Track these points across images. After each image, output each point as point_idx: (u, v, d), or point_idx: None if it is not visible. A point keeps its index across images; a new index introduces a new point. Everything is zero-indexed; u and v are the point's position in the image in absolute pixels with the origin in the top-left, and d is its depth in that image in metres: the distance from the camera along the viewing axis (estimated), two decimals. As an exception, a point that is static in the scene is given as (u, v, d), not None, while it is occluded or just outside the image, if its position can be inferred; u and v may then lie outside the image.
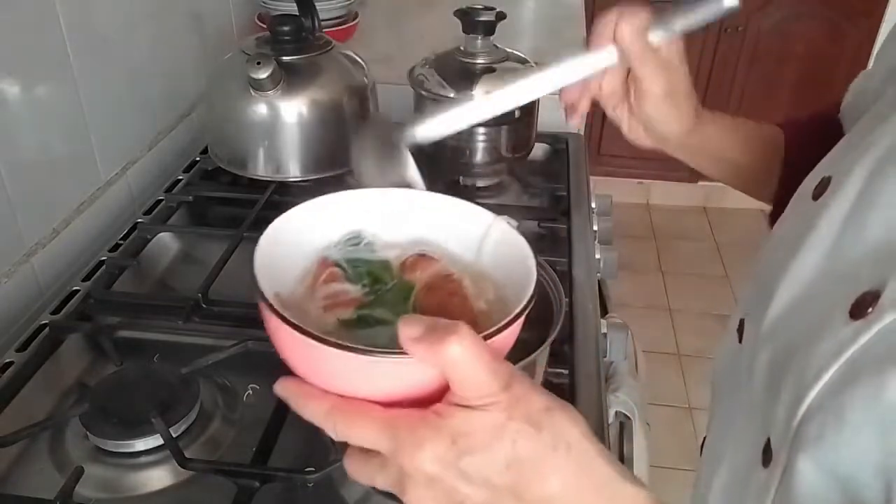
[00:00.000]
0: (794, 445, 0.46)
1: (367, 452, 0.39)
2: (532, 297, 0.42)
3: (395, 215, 0.52)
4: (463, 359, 0.35)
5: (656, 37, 0.62)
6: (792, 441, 0.46)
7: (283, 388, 0.41)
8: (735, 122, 0.73)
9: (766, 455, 0.50)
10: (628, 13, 0.62)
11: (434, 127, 0.60)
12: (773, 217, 0.74)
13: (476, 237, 0.50)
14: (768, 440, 0.50)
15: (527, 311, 0.42)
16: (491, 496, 0.37)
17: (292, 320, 0.39)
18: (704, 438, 0.68)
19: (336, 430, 0.39)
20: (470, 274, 0.49)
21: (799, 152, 0.71)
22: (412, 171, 0.59)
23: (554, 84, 0.64)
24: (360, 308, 0.45)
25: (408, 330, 0.36)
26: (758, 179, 0.74)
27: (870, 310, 0.42)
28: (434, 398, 0.38)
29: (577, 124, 0.71)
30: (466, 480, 0.36)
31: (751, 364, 0.54)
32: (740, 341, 0.58)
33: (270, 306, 0.40)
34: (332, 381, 0.40)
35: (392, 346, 0.38)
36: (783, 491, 0.47)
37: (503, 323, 0.40)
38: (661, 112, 0.67)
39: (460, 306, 0.47)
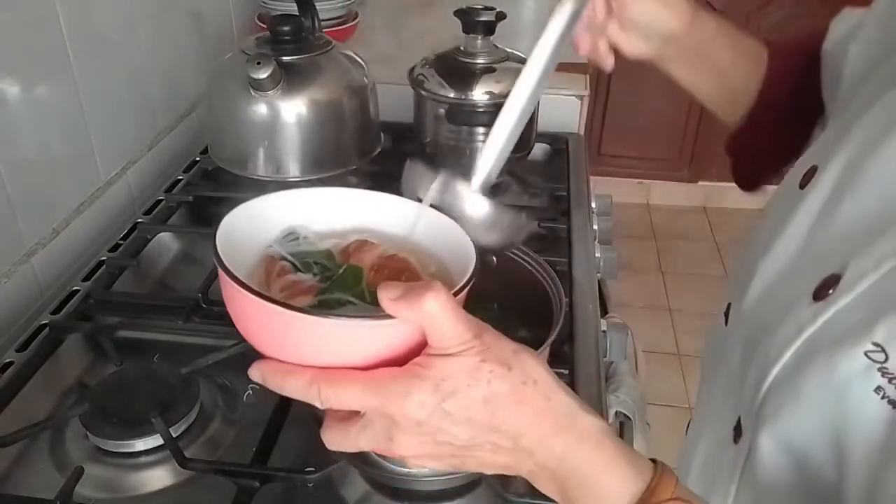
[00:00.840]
0: (758, 423, 0.48)
1: (345, 419, 0.42)
2: (477, 261, 0.47)
3: (323, 212, 0.54)
4: (440, 311, 0.39)
5: None
6: (756, 418, 0.48)
7: (257, 369, 0.43)
8: (728, 25, 0.72)
9: (737, 432, 0.52)
10: None
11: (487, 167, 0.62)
12: (731, 141, 0.74)
13: (407, 224, 0.53)
14: (739, 418, 0.52)
15: (474, 274, 0.45)
16: (472, 432, 0.41)
17: (272, 297, 0.40)
18: (689, 422, 0.70)
19: (321, 397, 0.41)
20: (410, 252, 0.52)
21: (778, 77, 0.70)
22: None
23: (557, 46, 0.62)
24: (319, 296, 0.47)
25: (388, 292, 0.39)
26: (735, 94, 0.73)
27: (830, 291, 0.44)
28: (407, 358, 0.41)
29: (610, 64, 0.71)
30: (451, 420, 0.40)
31: (730, 347, 0.56)
32: (726, 324, 0.60)
33: (244, 285, 0.41)
34: (308, 355, 0.41)
35: None
36: (749, 466, 0.50)
37: (464, 282, 0.44)
38: (652, 10, 0.66)
39: (412, 279, 0.49)
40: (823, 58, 0.67)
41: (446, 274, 0.50)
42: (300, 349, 0.41)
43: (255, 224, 0.51)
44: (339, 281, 0.49)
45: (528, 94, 0.61)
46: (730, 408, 0.55)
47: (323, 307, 0.46)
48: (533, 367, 0.41)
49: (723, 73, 0.72)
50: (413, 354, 0.41)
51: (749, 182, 0.78)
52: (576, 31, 0.63)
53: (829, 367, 0.43)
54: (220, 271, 0.42)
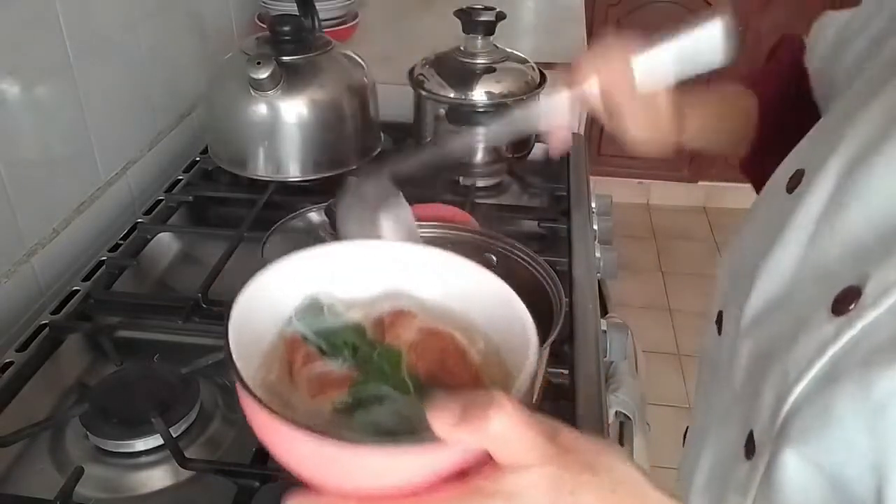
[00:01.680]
0: (779, 439, 0.46)
1: None
2: (539, 344, 0.40)
3: (348, 272, 0.47)
4: (508, 430, 0.33)
5: (643, 86, 0.63)
6: (777, 435, 0.47)
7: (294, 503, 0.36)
8: (714, 107, 0.74)
9: (749, 447, 0.50)
10: (610, 56, 0.63)
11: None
12: (746, 164, 0.77)
13: (446, 282, 0.46)
14: (751, 433, 0.50)
15: (537, 362, 0.39)
16: None
17: (305, 424, 0.34)
18: (687, 428, 0.69)
19: None
20: (453, 324, 0.45)
21: (769, 109, 0.73)
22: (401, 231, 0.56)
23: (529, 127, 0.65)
24: (353, 389, 0.41)
25: (442, 417, 0.33)
26: (734, 137, 0.76)
27: (852, 306, 0.43)
28: (469, 473, 0.35)
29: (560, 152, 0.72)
30: None
31: (731, 357, 0.55)
32: (720, 333, 0.59)
33: (271, 411, 0.35)
34: (351, 482, 0.35)
35: (399, 423, 0.36)
36: (766, 483, 0.48)
37: (528, 377, 0.38)
38: (641, 138, 0.68)
39: (460, 364, 0.43)
40: (813, 76, 0.68)
41: (495, 352, 0.44)
42: (335, 477, 0.36)
43: (271, 295, 0.44)
44: (374, 369, 0.42)
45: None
46: (736, 420, 0.53)
47: (358, 405, 0.40)
48: (618, 466, 0.36)
49: (715, 139, 0.76)
50: (477, 466, 0.35)
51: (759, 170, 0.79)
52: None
53: (862, 387, 0.41)
54: (239, 388, 0.36)
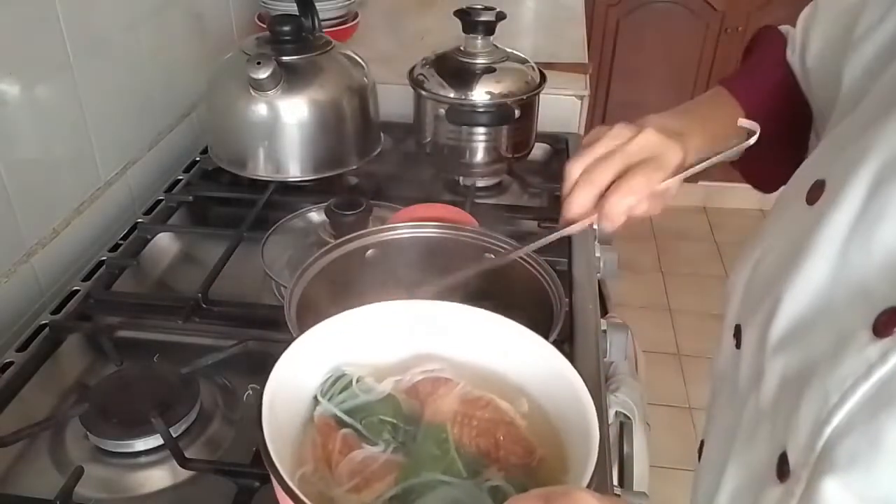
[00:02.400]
0: (819, 466, 0.44)
1: None
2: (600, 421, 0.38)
3: (369, 337, 0.44)
4: None
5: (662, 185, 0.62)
6: (816, 461, 0.45)
7: None
8: (708, 135, 0.71)
9: (782, 470, 0.48)
10: (624, 190, 0.61)
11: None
12: (740, 164, 0.76)
13: (475, 339, 0.44)
14: (783, 455, 0.48)
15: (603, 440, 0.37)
16: None
17: None
18: (702, 442, 0.67)
19: None
20: (491, 386, 0.42)
21: (756, 113, 0.71)
22: None
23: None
24: (402, 478, 0.38)
25: None
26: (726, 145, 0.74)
27: None
28: None
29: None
30: None
31: (756, 374, 0.53)
32: (738, 346, 0.57)
33: None
34: None
35: None
36: None
37: (593, 463, 0.36)
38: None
39: (512, 435, 0.41)
40: (804, 74, 0.67)
41: (540, 412, 0.42)
42: None
43: (295, 376, 0.41)
44: (420, 453, 0.39)
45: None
46: (765, 439, 0.51)
47: (410, 496, 0.37)
48: None
49: (715, 143, 0.74)
50: None
51: (768, 186, 0.78)
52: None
53: None
54: (281, 491, 0.34)
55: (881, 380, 0.41)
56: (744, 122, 0.65)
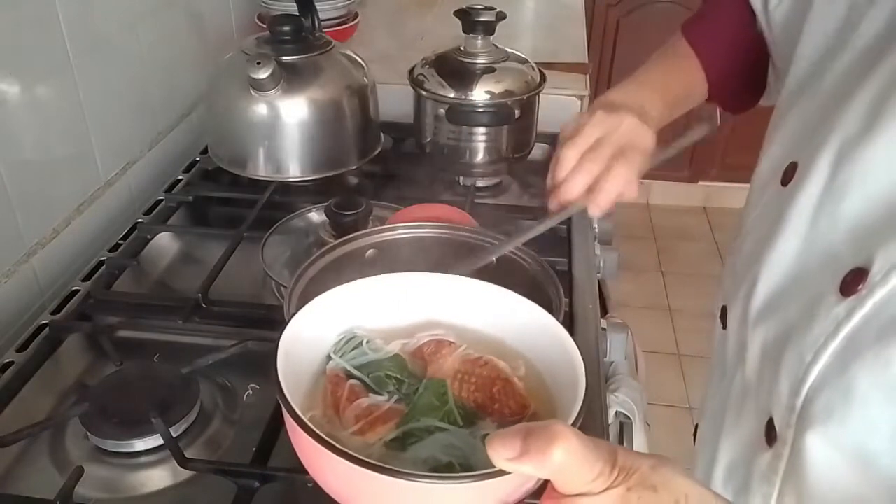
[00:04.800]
0: (801, 424, 0.47)
1: None
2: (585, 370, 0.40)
3: (382, 305, 0.48)
4: (571, 460, 0.33)
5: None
6: (798, 419, 0.47)
7: None
8: (668, 104, 0.75)
9: (770, 435, 0.51)
10: (613, 182, 0.65)
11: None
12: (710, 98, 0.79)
13: (479, 310, 0.47)
14: (770, 420, 0.50)
15: (588, 387, 0.39)
16: None
17: (368, 461, 0.34)
18: (696, 426, 0.68)
19: None
20: (492, 351, 0.45)
21: (720, 69, 0.76)
22: None
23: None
24: (402, 423, 0.41)
25: (502, 451, 0.33)
26: (693, 96, 0.79)
27: (860, 286, 0.44)
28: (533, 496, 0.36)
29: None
30: None
31: (740, 349, 0.55)
32: (724, 327, 0.59)
33: (339, 450, 0.35)
34: None
35: (451, 455, 0.37)
36: (791, 469, 0.49)
37: (579, 406, 0.38)
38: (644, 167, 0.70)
39: (507, 390, 0.43)
40: (768, 26, 0.68)
41: (537, 376, 0.44)
42: None
43: (310, 333, 0.45)
44: (421, 402, 0.42)
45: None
46: (752, 410, 0.53)
47: (408, 439, 0.40)
48: (677, 480, 0.36)
49: (679, 100, 0.77)
50: (541, 489, 0.36)
51: (736, 109, 0.81)
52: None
53: (880, 363, 0.42)
54: (292, 423, 0.37)
55: (848, 336, 0.44)
56: (705, 111, 0.72)
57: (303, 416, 0.37)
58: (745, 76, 0.74)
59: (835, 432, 0.45)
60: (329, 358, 0.46)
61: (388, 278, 0.49)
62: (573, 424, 0.37)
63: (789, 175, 0.53)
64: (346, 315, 0.47)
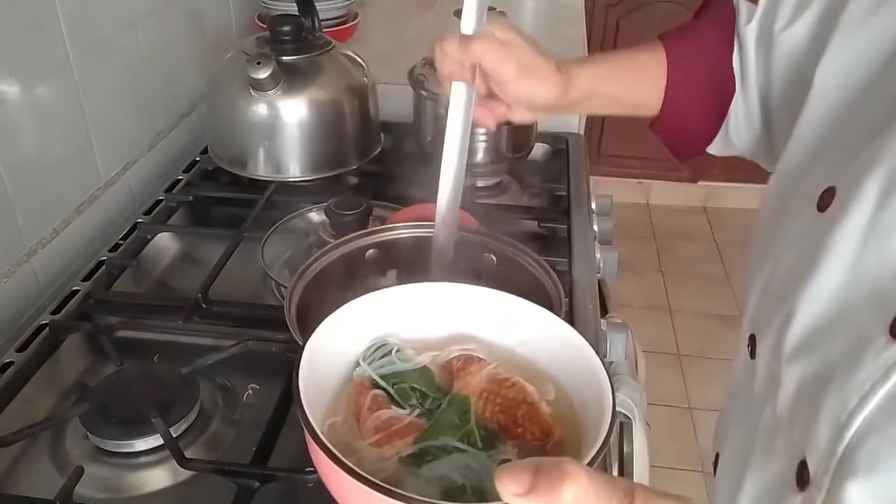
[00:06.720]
0: (840, 472, 0.44)
1: None
2: (614, 402, 0.39)
3: (416, 315, 0.47)
4: (580, 500, 0.32)
5: (468, 29, 0.66)
6: (836, 467, 0.45)
7: None
8: (613, 66, 0.74)
9: (802, 478, 0.48)
10: (444, 44, 0.65)
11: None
12: (652, 125, 0.77)
13: (514, 327, 0.46)
14: (803, 462, 0.48)
15: (613, 423, 0.39)
16: None
17: (378, 483, 0.34)
18: (717, 456, 0.66)
19: None
20: (522, 371, 0.44)
21: (679, 81, 0.73)
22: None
23: (465, 119, 0.69)
24: (420, 439, 0.41)
25: (511, 486, 0.32)
26: (642, 104, 0.76)
27: None
28: None
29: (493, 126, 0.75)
30: None
31: (772, 383, 0.53)
32: (752, 357, 0.57)
33: (350, 468, 0.34)
34: None
35: (465, 478, 0.36)
36: None
37: (601, 442, 0.37)
38: (526, 89, 0.68)
39: (532, 415, 0.43)
40: (767, 42, 0.66)
41: (566, 401, 0.43)
42: None
43: (340, 338, 0.45)
44: (442, 419, 0.42)
45: (456, 157, 0.69)
46: (783, 448, 0.51)
47: (424, 456, 0.40)
48: None
49: (622, 98, 0.75)
50: None
51: (682, 153, 0.78)
52: (475, 111, 0.69)
53: None
54: (311, 442, 0.36)
55: None
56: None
57: (317, 429, 0.37)
58: (703, 105, 0.72)
59: (879, 485, 0.42)
60: (357, 364, 0.45)
61: (424, 287, 0.48)
62: (594, 459, 0.36)
63: (826, 201, 0.50)
64: (379, 321, 0.46)
